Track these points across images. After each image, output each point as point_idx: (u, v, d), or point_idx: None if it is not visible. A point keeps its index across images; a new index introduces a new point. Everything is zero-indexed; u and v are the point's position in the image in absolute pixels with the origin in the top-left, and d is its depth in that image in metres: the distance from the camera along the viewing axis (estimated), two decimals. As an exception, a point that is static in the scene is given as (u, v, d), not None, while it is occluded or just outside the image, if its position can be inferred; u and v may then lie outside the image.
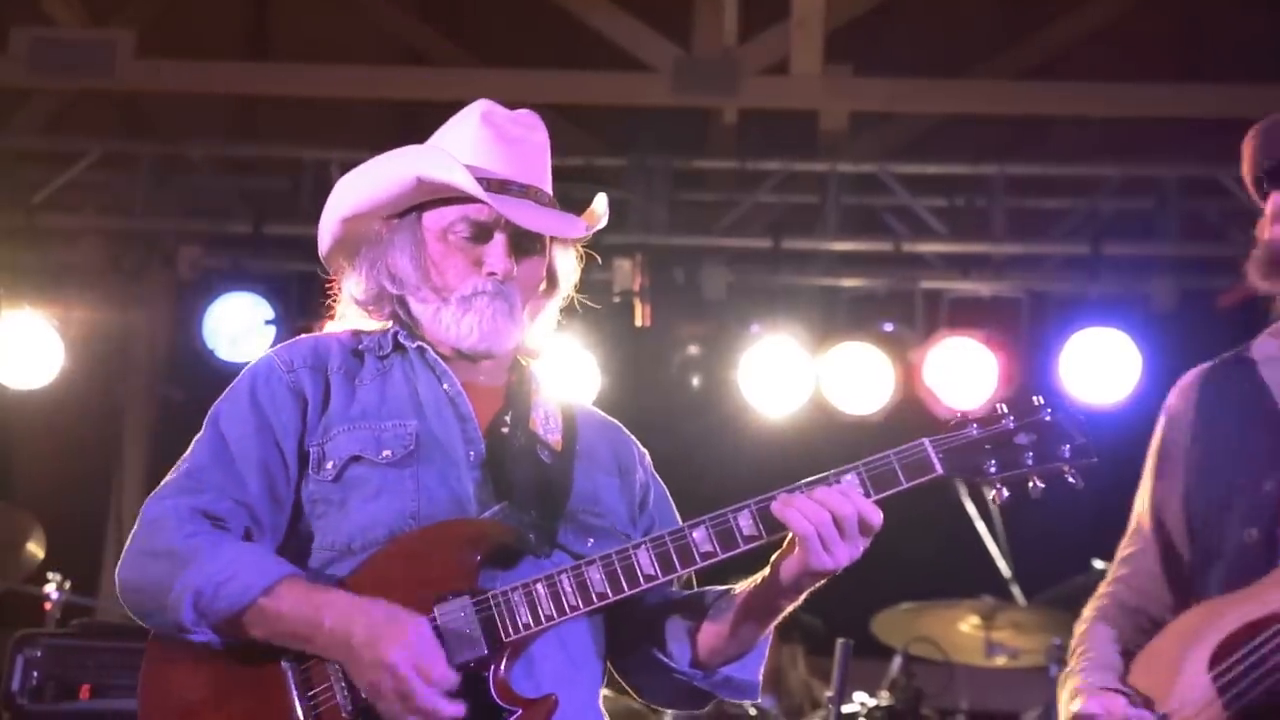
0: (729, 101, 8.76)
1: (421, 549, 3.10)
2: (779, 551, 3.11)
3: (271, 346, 3.45)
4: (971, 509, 7.46)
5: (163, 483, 3.24)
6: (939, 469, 3.05)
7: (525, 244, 3.33)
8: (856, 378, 8.36)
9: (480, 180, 3.26)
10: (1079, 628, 3.68)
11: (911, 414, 8.23)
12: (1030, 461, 3.04)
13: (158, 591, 3.08)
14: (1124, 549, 3.69)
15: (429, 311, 3.32)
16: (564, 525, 3.22)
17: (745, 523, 3.05)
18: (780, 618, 3.21)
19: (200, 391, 3.43)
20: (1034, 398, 3.09)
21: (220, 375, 3.48)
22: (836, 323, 8.71)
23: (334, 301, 3.50)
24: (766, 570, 3.14)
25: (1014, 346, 8.34)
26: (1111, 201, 8.75)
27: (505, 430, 3.29)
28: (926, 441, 3.07)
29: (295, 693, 3.05)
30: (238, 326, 8.34)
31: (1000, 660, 7.47)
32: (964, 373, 8.14)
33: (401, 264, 3.33)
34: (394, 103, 9.00)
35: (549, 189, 3.41)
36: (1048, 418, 3.05)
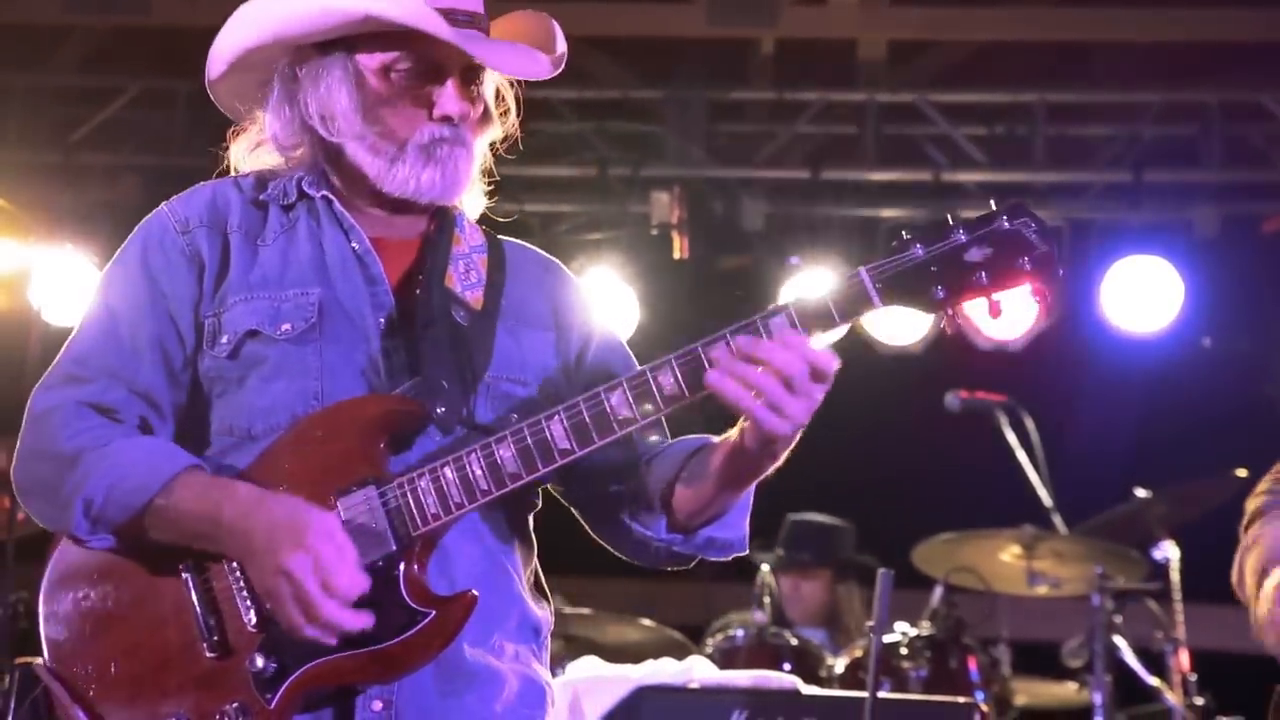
0: (766, 31, 8.70)
1: (323, 433, 2.80)
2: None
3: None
4: (1012, 437, 7.43)
5: (50, 368, 2.96)
6: (877, 301, 2.78)
7: (470, 80, 2.98)
8: (896, 310, 8.32)
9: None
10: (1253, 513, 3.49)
11: (952, 346, 8.20)
12: (984, 280, 2.71)
13: (49, 495, 2.85)
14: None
15: (380, 162, 2.96)
16: (482, 397, 2.91)
17: (666, 381, 2.71)
18: (763, 476, 2.86)
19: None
20: (991, 203, 2.71)
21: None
22: (876, 254, 8.65)
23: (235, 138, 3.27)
24: (734, 436, 2.79)
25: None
26: (1153, 127, 8.68)
27: (418, 291, 2.95)
28: (863, 270, 2.78)
29: (197, 606, 2.79)
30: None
31: (1042, 589, 7.45)
32: (1004, 302, 8.08)
33: (339, 106, 2.96)
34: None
35: (482, 9, 3.03)
36: (1005, 226, 2.68)
